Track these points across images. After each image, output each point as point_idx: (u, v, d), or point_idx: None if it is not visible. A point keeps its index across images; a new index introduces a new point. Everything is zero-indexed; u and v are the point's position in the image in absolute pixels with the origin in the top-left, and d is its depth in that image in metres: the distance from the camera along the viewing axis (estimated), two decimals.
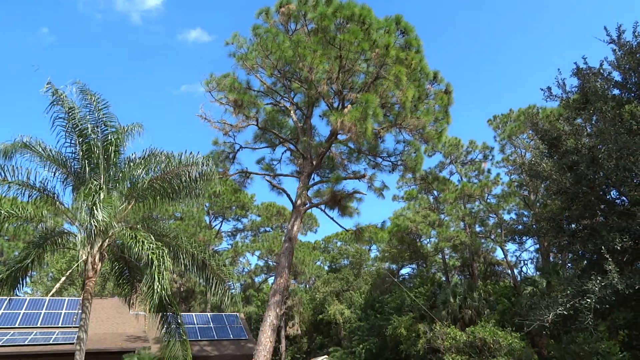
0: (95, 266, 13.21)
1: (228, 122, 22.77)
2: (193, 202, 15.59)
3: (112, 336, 24.14)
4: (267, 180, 25.09)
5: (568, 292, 6.17)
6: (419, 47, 20.17)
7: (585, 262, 7.93)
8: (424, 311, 40.59)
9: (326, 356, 42.34)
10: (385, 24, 19.41)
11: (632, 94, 8.22)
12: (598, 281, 5.76)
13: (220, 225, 53.51)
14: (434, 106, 20.94)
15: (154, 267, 11.38)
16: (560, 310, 5.97)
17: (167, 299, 14.31)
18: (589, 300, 5.69)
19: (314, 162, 22.48)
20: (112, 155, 14.11)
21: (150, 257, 11.68)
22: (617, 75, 10.96)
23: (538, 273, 40.03)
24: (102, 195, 11.88)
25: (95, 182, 12.35)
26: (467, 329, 22.51)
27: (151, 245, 12.01)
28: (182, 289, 48.62)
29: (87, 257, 13.13)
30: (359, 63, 20.05)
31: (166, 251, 12.01)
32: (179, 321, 15.95)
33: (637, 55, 8.30)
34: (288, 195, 23.81)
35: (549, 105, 37.34)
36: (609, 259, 5.85)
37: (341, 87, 20.62)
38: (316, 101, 22.89)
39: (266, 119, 24.26)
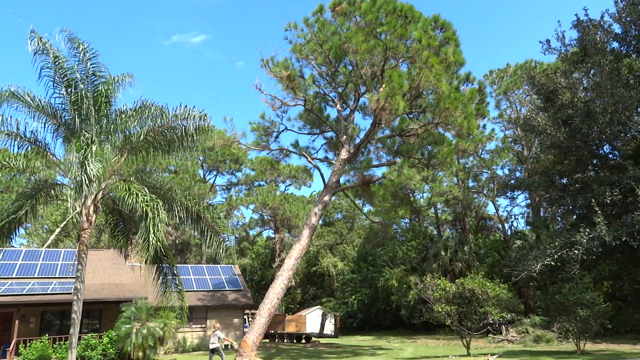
0: (90, 218, 13.27)
1: (278, 97, 24.72)
2: (188, 156, 15.53)
3: (109, 287, 24.59)
4: (305, 156, 27.00)
5: (556, 243, 6.28)
6: (457, 42, 21.55)
7: (575, 216, 8.02)
8: (414, 264, 41.53)
9: (319, 306, 43.52)
10: (424, 22, 21.21)
11: (632, 47, 8.08)
12: (586, 233, 5.84)
13: (215, 179, 53.59)
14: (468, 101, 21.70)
15: (148, 219, 11.45)
16: (548, 261, 6.10)
17: (162, 250, 14.49)
18: (576, 251, 5.79)
19: (351, 150, 23.77)
20: (103, 106, 13.89)
21: (144, 209, 11.73)
22: (617, 28, 10.75)
23: (528, 227, 40.77)
24: (94, 148, 11.77)
25: (87, 135, 12.21)
26: (456, 280, 23.04)
27: (145, 197, 12.03)
28: (177, 242, 49.21)
29: (82, 210, 13.17)
30: (399, 51, 21.36)
31: (160, 203, 12.05)
32: (175, 272, 16.22)
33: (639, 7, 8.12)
34: (321, 174, 26.71)
35: (547, 60, 36.88)
36: (598, 212, 5.92)
37: (381, 73, 21.57)
38: (359, 89, 23.80)
39: (312, 103, 25.82)
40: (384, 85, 20.99)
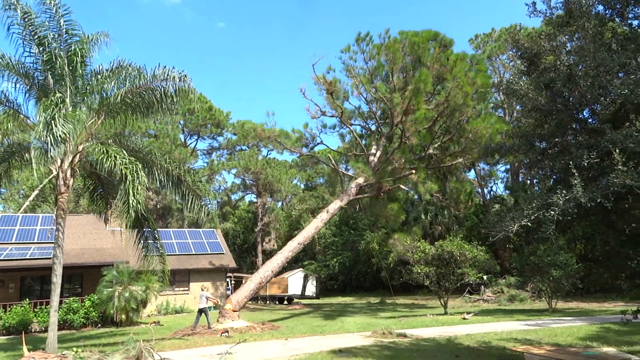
0: (67, 182, 13.03)
1: (319, 106, 27.70)
2: (168, 119, 15.23)
3: (89, 251, 24.48)
4: (334, 167, 31.41)
5: (533, 205, 6.40)
6: (486, 71, 25.36)
7: (553, 179, 8.15)
8: (395, 227, 42.13)
9: (301, 269, 44.13)
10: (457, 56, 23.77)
11: (616, 11, 8.05)
12: (563, 195, 5.95)
13: (196, 144, 52.98)
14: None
15: (128, 182, 11.28)
16: (524, 222, 6.22)
17: (143, 214, 14.39)
18: (552, 212, 5.90)
19: (376, 169, 25.16)
20: (78, 66, 13.40)
21: (123, 172, 11.54)
22: None
23: (507, 192, 41.57)
24: (65, 109, 11.42)
25: (58, 95, 11.77)
26: (436, 243, 23.55)
27: (124, 160, 11.82)
28: (158, 206, 48.95)
29: (58, 173, 12.90)
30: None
31: (140, 166, 11.86)
32: (156, 236, 16.17)
33: None
34: (341, 180, 31.36)
35: (532, 25, 36.75)
36: (576, 174, 6.02)
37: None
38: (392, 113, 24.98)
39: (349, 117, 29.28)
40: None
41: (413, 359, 10.74)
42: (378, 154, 26.24)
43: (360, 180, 24.87)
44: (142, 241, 15.91)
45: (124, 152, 12.36)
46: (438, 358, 10.77)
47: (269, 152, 57.14)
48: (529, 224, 6.28)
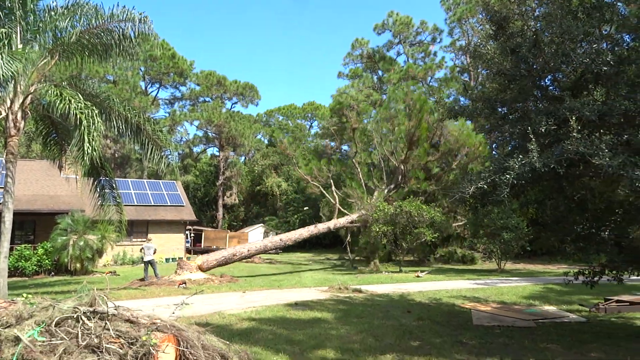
0: (18, 124, 12.38)
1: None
2: (127, 65, 14.52)
3: (42, 198, 23.71)
4: None
5: (490, 168, 6.55)
6: None
7: (511, 145, 8.34)
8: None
9: (262, 224, 44.38)
10: None
11: None
12: (519, 159, 6.10)
13: (157, 92, 51.28)
14: None
15: (83, 128, 10.81)
16: (481, 184, 6.37)
17: (99, 162, 13.91)
18: (508, 176, 6.06)
19: None
20: (29, 0, 12.50)
21: (78, 117, 11.03)
22: None
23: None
24: (14, 46, 10.71)
25: (3, 30, 10.99)
26: (395, 203, 24.02)
27: (79, 104, 11.27)
28: (116, 155, 47.59)
29: (7, 115, 12.23)
30: None
31: (97, 112, 11.35)
32: (114, 185, 15.74)
33: None
34: None
35: None
36: (533, 139, 6.16)
37: None
38: None
39: None
40: None
41: (367, 313, 11.09)
42: None
43: (355, 216, 26.26)
44: (98, 190, 15.46)
45: (80, 96, 11.78)
46: (391, 312, 11.17)
47: (233, 105, 56.04)
48: (485, 186, 6.44)
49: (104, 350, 4.25)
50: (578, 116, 6.27)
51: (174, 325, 4.64)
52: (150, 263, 17.93)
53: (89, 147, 10.40)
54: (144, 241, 29.30)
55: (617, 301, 11.74)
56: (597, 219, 7.97)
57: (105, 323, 4.47)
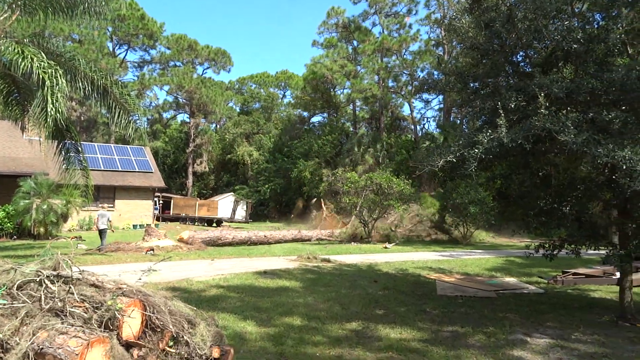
0: None
1: None
2: (94, 23, 13.89)
3: (3, 160, 22.89)
4: None
5: (460, 142, 6.64)
6: None
7: (481, 121, 8.45)
8: (328, 157, 42.74)
9: (232, 193, 44.10)
10: None
11: None
12: (488, 134, 6.19)
13: (126, 54, 49.50)
14: None
15: (46, 88, 10.37)
16: (450, 158, 6.46)
17: (63, 124, 13.41)
18: (476, 150, 6.16)
19: None
20: None
21: (41, 76, 10.56)
22: None
23: (438, 130, 42.97)
24: None
25: None
26: (365, 174, 24.24)
27: (42, 63, 10.78)
28: (82, 119, 46.13)
29: None
30: None
31: (61, 71, 10.90)
32: (79, 149, 15.28)
33: None
34: None
35: None
36: (502, 114, 6.25)
37: None
38: None
39: None
40: None
41: (335, 282, 11.28)
42: None
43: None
44: (63, 153, 14.99)
45: (43, 54, 11.26)
46: (358, 282, 11.39)
47: (204, 71, 54.76)
48: (453, 159, 6.54)
49: (67, 314, 4.19)
50: (547, 93, 6.37)
51: (141, 291, 4.60)
52: (101, 231, 16.69)
53: (52, 109, 10.02)
54: (111, 207, 28.83)
55: (574, 274, 12.27)
56: (559, 194, 8.22)
57: (70, 287, 4.40)
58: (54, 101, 10.00)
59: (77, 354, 3.80)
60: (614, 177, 7.18)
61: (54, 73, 10.55)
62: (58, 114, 10.06)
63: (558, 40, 6.63)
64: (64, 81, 10.62)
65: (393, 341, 6.54)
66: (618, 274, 9.63)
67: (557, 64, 7.23)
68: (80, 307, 4.30)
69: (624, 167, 5.68)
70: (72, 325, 4.10)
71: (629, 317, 7.91)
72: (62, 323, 4.13)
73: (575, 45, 6.68)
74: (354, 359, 5.74)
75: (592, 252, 8.78)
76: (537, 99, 6.39)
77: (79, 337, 3.94)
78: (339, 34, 45.36)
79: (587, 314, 8.71)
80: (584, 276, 12.19)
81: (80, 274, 4.71)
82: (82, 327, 4.10)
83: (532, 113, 6.51)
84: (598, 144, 5.97)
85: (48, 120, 10.35)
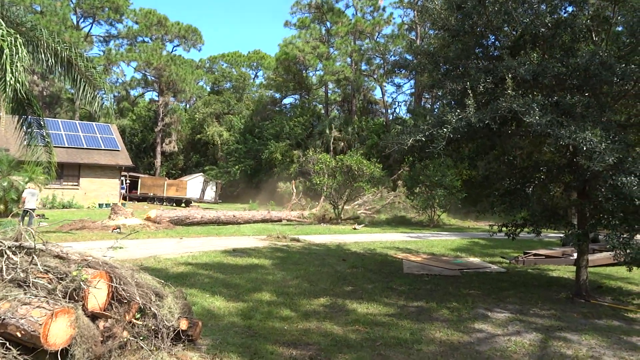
0: None
1: None
2: None
3: None
4: None
5: (429, 121, 6.74)
6: None
7: (451, 102, 8.58)
8: (300, 139, 42.65)
9: (202, 174, 43.63)
10: None
11: None
12: (456, 114, 6.31)
13: (91, 28, 47.83)
14: None
15: (5, 57, 9.94)
16: (419, 137, 6.56)
17: (24, 96, 12.97)
18: (445, 129, 6.27)
19: None
20: None
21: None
22: None
23: (409, 115, 43.40)
24: None
25: None
26: (336, 156, 24.34)
27: (0, 31, 10.34)
28: (45, 94, 44.50)
29: None
30: None
31: (21, 41, 10.47)
32: (42, 124, 14.75)
33: None
34: None
35: None
36: (470, 94, 6.37)
37: None
38: None
39: None
40: None
41: (304, 260, 11.37)
42: None
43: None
44: (24, 127, 14.46)
45: (1, 22, 10.79)
46: (327, 260, 11.51)
47: (174, 48, 53.51)
48: (422, 139, 6.64)
49: (31, 285, 4.11)
50: (514, 75, 6.52)
51: (107, 262, 4.55)
52: (29, 211, 15.35)
53: (11, 78, 9.63)
54: (76, 185, 28.11)
55: (535, 254, 12.71)
56: (523, 176, 8.47)
57: (32, 258, 4.31)
58: (14, 71, 9.62)
59: (40, 324, 3.75)
60: (574, 160, 7.44)
61: (13, 42, 10.13)
62: (18, 84, 9.69)
63: (527, 23, 6.77)
64: (24, 50, 10.22)
65: (360, 315, 6.67)
66: (575, 255, 10.04)
67: (525, 48, 7.38)
68: (44, 278, 4.22)
69: (585, 149, 5.90)
70: (36, 296, 4.04)
71: (584, 294, 8.28)
72: (25, 294, 4.06)
73: (543, 29, 6.83)
74: (322, 332, 5.84)
75: (552, 234, 9.18)
76: (504, 81, 6.53)
77: (43, 308, 3.88)
78: (312, 15, 44.93)
79: (546, 291, 9.07)
80: (544, 257, 12.64)
81: (43, 244, 4.61)
82: (46, 297, 4.04)
83: (500, 95, 6.66)
84: (561, 126, 6.16)
85: (7, 90, 9.95)
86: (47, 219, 19.91)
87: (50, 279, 4.20)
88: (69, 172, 27.99)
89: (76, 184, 28.28)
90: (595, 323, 6.85)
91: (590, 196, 7.87)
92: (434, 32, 9.56)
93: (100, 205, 28.14)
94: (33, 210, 15.62)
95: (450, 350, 5.40)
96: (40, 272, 4.22)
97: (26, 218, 15.34)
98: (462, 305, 7.49)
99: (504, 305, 7.71)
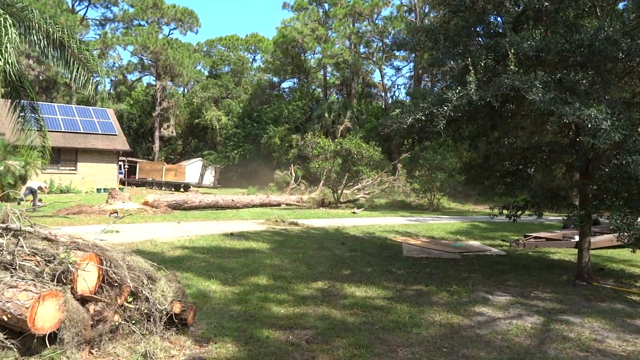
0: None
1: None
2: None
3: None
4: None
5: (429, 99, 6.56)
6: None
7: (451, 81, 8.37)
8: (298, 123, 42.37)
9: (200, 158, 43.37)
10: None
11: None
12: (457, 91, 6.13)
13: (86, 12, 47.21)
14: None
15: None
16: (419, 116, 6.38)
17: (17, 79, 12.77)
18: (445, 108, 6.10)
19: None
20: None
21: None
22: None
23: (408, 98, 43.06)
24: None
25: None
26: (335, 140, 24.14)
27: None
28: (41, 78, 44.04)
29: None
30: None
31: (11, 21, 10.19)
32: (36, 107, 14.53)
33: None
34: None
35: None
36: (472, 71, 6.18)
37: None
38: None
39: None
40: None
41: (302, 244, 11.26)
42: None
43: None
44: (18, 112, 14.24)
45: None
46: (325, 244, 11.41)
47: (171, 32, 52.88)
48: (422, 117, 6.46)
49: (17, 268, 3.98)
50: (517, 51, 6.32)
51: (97, 245, 4.41)
52: (34, 190, 17.03)
53: (0, 59, 9.39)
54: (73, 170, 27.96)
55: (535, 237, 12.59)
56: (525, 157, 8.31)
57: (19, 240, 4.17)
58: (4, 52, 9.38)
59: (27, 308, 3.62)
60: (577, 139, 7.28)
61: (2, 22, 9.86)
62: (8, 66, 9.45)
63: None
64: (14, 31, 9.96)
65: (358, 299, 6.57)
66: (577, 238, 9.92)
67: (527, 23, 7.17)
68: (32, 260, 4.09)
69: (589, 126, 5.72)
70: (23, 279, 3.90)
71: (585, 276, 8.18)
72: (12, 277, 3.92)
73: (546, 4, 6.61)
74: (319, 315, 5.73)
75: (552, 217, 9.06)
76: (506, 58, 6.34)
77: (30, 291, 3.75)
78: None
79: (547, 274, 8.98)
80: (544, 239, 12.52)
81: (31, 227, 4.47)
82: (34, 280, 3.91)
83: (502, 72, 6.47)
84: (565, 103, 5.99)
85: None
86: (45, 204, 19.79)
87: (37, 262, 4.07)
88: (66, 156, 27.80)
89: (74, 168, 28.10)
90: (598, 306, 6.75)
91: (593, 177, 7.72)
92: (435, 15, 9.34)
93: (99, 190, 28.00)
94: (39, 188, 16.29)
95: (450, 334, 5.30)
96: (28, 254, 4.09)
97: (30, 196, 16.70)
98: (462, 289, 7.39)
99: (505, 288, 7.61)
